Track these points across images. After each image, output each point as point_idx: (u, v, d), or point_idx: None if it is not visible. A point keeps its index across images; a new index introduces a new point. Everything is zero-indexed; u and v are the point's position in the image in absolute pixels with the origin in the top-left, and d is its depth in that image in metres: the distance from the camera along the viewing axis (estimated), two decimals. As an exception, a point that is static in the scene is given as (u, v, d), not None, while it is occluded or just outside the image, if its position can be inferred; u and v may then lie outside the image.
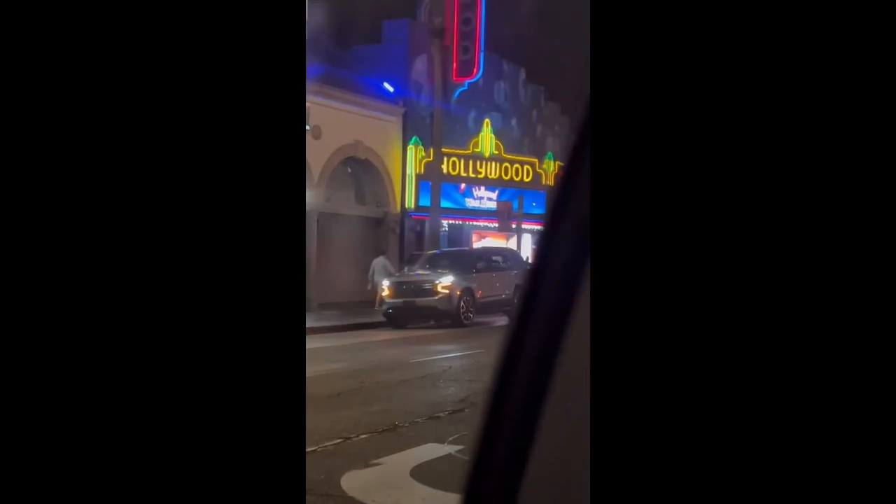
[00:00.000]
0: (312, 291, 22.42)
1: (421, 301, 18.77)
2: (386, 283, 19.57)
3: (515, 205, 26.86)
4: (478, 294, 19.90)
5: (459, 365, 12.19)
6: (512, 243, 28.86)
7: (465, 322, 19.23)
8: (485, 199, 30.23)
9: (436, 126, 25.81)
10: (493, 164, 29.94)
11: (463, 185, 29.54)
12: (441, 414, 8.24)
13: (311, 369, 9.83)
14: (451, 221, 29.17)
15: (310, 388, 7.89)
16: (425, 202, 26.31)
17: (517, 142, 33.13)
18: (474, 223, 30.27)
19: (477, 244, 30.89)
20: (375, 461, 6.22)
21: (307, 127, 21.75)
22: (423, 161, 27.28)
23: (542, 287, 0.88)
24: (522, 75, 35.31)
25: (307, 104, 19.11)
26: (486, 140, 29.94)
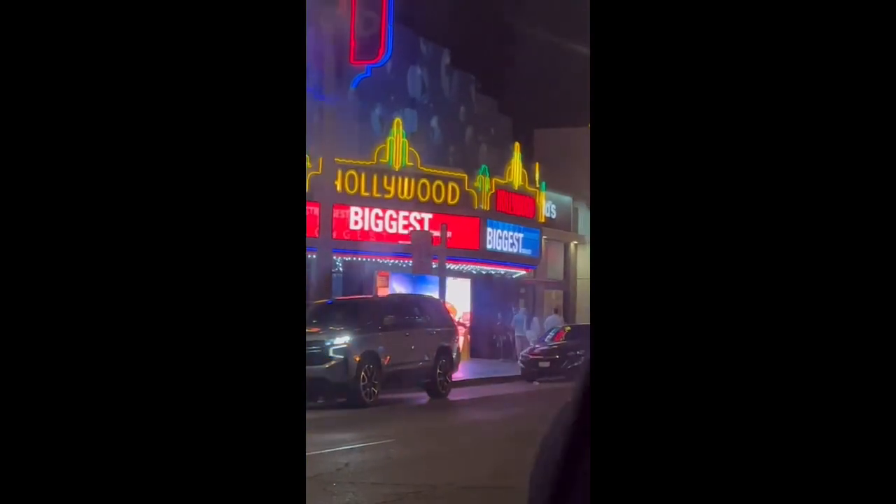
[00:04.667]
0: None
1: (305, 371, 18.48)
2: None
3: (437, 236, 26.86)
4: (385, 360, 19.74)
5: (359, 461, 12.11)
6: (432, 289, 28.84)
7: (367, 400, 19.04)
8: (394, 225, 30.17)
9: (326, 127, 25.66)
10: (407, 180, 30.01)
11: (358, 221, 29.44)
12: (334, 534, 8.11)
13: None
14: (346, 258, 29.04)
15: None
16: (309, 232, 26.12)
17: (439, 150, 33.31)
18: (379, 261, 30.16)
19: (384, 291, 30.76)
20: None
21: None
22: (309, 175, 27.15)
23: None
24: (446, 59, 35.68)
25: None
26: (397, 147, 30.02)
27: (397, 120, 30.46)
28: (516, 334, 34.04)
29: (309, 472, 10.84)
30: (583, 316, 37.92)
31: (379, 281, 31.51)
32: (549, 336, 29.79)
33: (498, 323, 35.11)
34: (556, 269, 40.87)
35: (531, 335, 32.81)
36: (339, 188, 27.64)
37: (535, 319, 34.93)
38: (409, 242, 27.46)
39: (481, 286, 35.24)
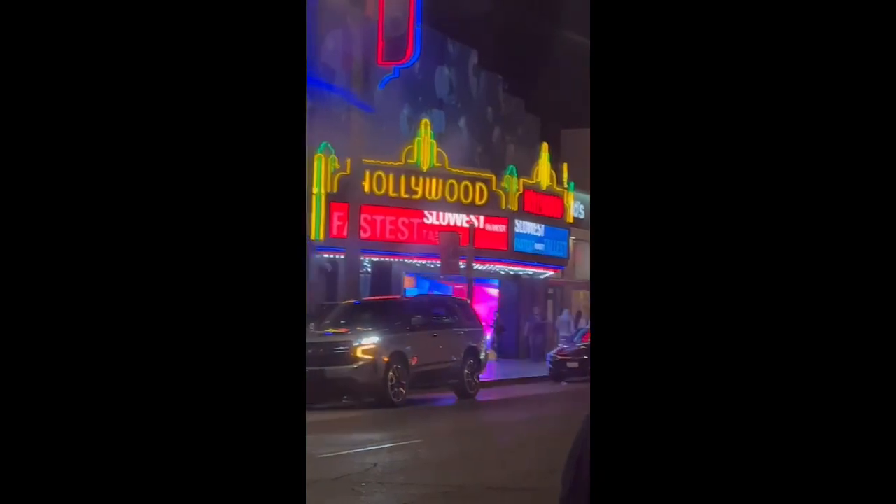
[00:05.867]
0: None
1: (332, 371, 18.54)
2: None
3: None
4: (412, 361, 19.75)
5: (388, 462, 12.12)
6: (460, 290, 28.80)
7: (395, 400, 19.07)
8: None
9: (354, 128, 25.72)
10: (434, 180, 30.01)
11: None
12: (362, 533, 8.16)
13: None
14: (374, 259, 29.09)
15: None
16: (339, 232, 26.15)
17: (467, 150, 33.31)
18: (407, 261, 30.18)
19: (411, 291, 30.76)
20: None
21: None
22: (337, 175, 27.22)
23: None
24: (474, 59, 35.67)
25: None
26: (425, 148, 30.03)
27: (425, 120, 30.47)
28: (561, 334, 34.25)
29: (337, 473, 10.87)
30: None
31: (406, 282, 31.50)
32: (576, 337, 29.82)
33: (492, 323, 35.15)
34: (583, 270, 40.79)
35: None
36: (366, 189, 27.68)
37: (582, 320, 35.49)
38: (438, 243, 27.45)
39: (509, 287, 35.18)
